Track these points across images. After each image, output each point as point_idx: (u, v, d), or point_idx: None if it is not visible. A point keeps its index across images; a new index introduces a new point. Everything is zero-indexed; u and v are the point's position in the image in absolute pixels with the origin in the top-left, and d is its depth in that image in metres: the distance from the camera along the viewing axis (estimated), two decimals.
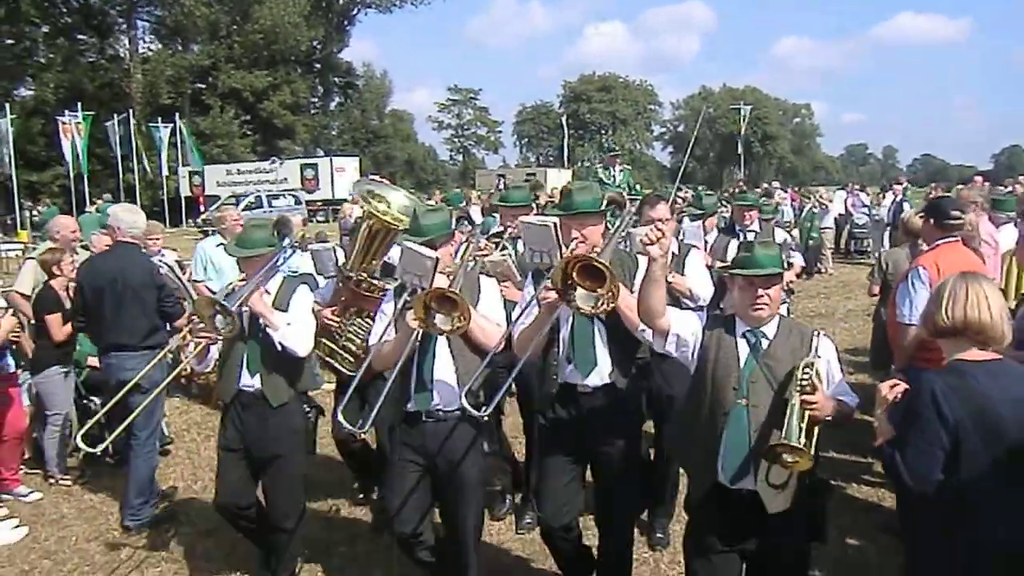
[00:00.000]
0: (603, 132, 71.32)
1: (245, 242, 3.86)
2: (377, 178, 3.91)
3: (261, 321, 3.70)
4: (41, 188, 34.67)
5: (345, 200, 23.68)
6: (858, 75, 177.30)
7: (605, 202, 3.49)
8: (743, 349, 2.84)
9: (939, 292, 2.55)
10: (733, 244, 5.53)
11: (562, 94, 74.33)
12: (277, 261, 3.86)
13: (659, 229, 2.79)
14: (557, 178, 35.14)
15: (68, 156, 29.21)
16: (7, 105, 28.68)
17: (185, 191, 37.24)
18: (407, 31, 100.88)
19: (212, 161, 38.88)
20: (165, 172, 34.84)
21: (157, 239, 6.98)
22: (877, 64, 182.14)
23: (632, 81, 75.54)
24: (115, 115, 32.43)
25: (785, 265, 3.18)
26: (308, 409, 4.01)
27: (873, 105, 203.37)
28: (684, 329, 2.92)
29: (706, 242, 5.85)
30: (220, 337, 3.69)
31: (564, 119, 59.12)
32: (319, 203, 34.03)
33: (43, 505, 5.34)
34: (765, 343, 2.83)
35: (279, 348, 3.71)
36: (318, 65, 50.45)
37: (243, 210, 24.07)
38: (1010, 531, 2.36)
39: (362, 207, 4.35)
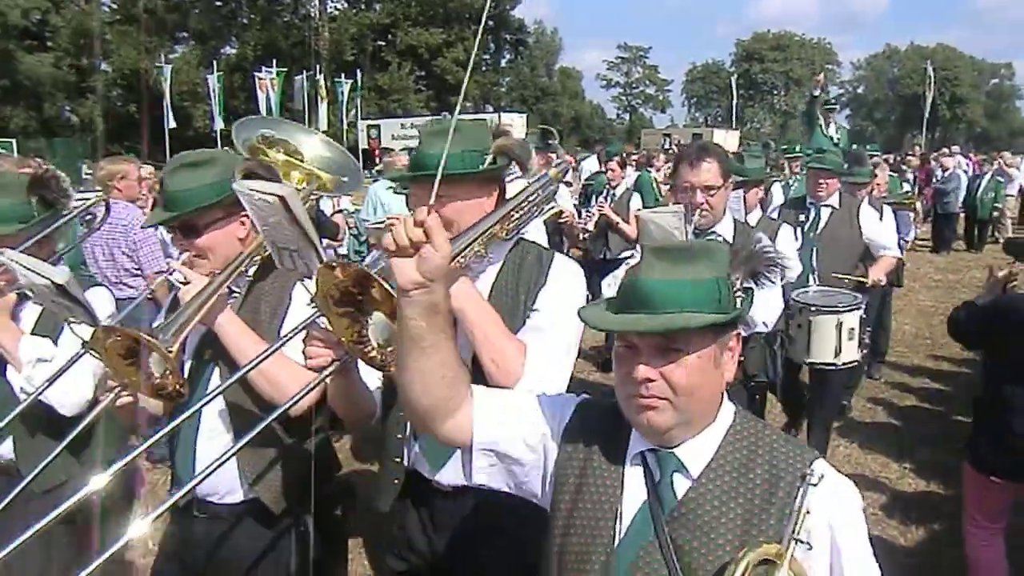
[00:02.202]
0: (775, 93, 67.61)
1: None
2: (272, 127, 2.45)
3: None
4: None
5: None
6: None
7: (491, 158, 1.97)
8: (632, 489, 1.45)
9: None
10: (786, 233, 3.89)
11: (734, 52, 71.06)
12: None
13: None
14: (724, 139, 33.78)
15: (263, 109, 31.86)
16: (214, 62, 31.71)
17: (363, 143, 39.57)
18: None
19: (388, 115, 40.91)
20: (345, 125, 37.11)
21: None
22: None
23: (809, 40, 70.81)
24: (304, 71, 34.89)
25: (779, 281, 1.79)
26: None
27: None
28: (514, 436, 1.53)
29: (748, 224, 4.02)
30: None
31: (734, 80, 56.49)
32: None
33: None
34: (681, 486, 1.41)
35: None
36: (491, 22, 51.28)
37: None
38: None
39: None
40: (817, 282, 4.71)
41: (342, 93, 36.00)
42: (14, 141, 27.97)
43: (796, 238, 4.44)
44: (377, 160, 35.47)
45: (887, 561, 3.97)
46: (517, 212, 2.02)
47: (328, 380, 1.76)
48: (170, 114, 30.35)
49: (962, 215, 15.15)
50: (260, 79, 31.73)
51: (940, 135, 59.98)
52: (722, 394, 1.46)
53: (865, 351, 4.58)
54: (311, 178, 2.43)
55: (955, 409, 6.11)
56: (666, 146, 28.22)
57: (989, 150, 25.92)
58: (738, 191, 4.47)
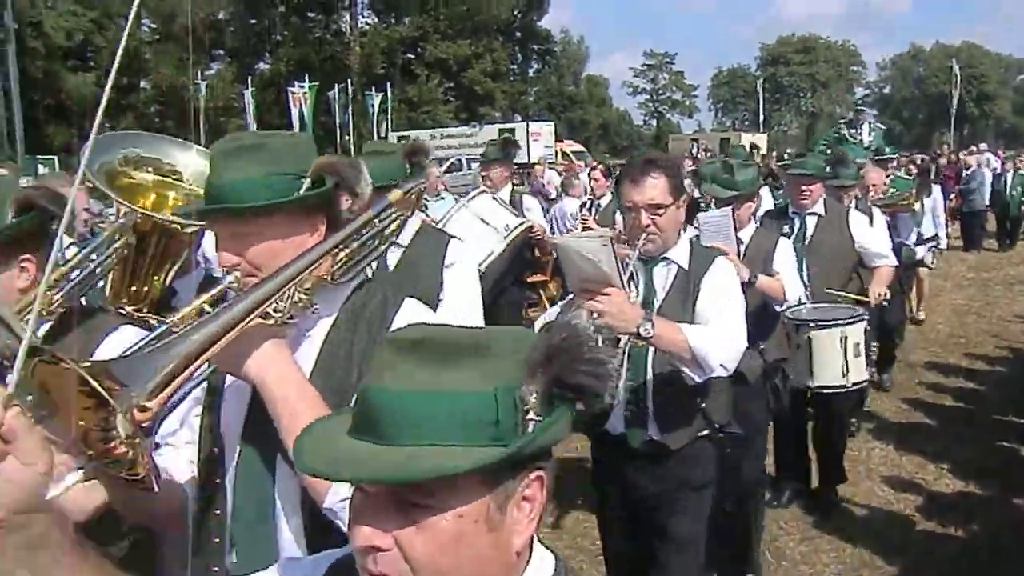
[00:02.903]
0: (801, 95, 67.13)
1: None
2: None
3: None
4: None
5: (537, 163, 24.45)
6: None
7: (308, 182, 1.49)
8: None
9: None
10: (785, 248, 3.66)
11: (759, 57, 70.78)
12: None
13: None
14: (752, 142, 33.58)
15: (296, 123, 32.46)
16: (249, 78, 32.43)
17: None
18: None
19: (417, 126, 41.39)
20: (375, 137, 37.62)
21: None
22: None
23: (834, 42, 70.56)
24: (336, 85, 35.48)
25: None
26: None
27: None
28: None
29: (740, 241, 3.58)
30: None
31: (760, 83, 56.20)
32: (515, 166, 35.18)
33: None
34: None
35: None
36: (518, 33, 51.71)
37: (444, 172, 25.67)
38: None
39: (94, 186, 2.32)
40: (810, 299, 4.15)
41: (372, 106, 36.51)
42: (56, 158, 28.86)
43: None
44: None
45: (926, 562, 3.99)
46: (347, 249, 1.55)
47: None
48: (204, 130, 31.06)
49: (990, 213, 15.06)
50: (293, 93, 32.32)
51: (969, 132, 58.99)
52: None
53: (872, 368, 4.34)
54: (191, 198, 1.99)
55: (991, 408, 6.10)
56: (693, 151, 28.19)
57: (1018, 146, 25.45)
58: (726, 208, 3.55)
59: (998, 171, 15.10)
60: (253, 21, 43.27)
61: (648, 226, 2.53)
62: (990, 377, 6.95)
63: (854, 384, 3.89)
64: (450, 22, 45.46)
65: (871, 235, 4.56)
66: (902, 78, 69.00)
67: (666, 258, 2.68)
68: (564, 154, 29.90)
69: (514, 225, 4.27)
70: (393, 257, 2.83)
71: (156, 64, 40.19)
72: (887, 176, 6.99)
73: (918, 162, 15.43)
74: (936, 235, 7.97)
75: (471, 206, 4.19)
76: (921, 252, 7.04)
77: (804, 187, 4.39)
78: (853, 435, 5.52)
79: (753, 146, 14.30)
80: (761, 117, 55.06)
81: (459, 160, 31.32)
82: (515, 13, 49.67)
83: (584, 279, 2.28)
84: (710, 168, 3.98)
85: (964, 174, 15.28)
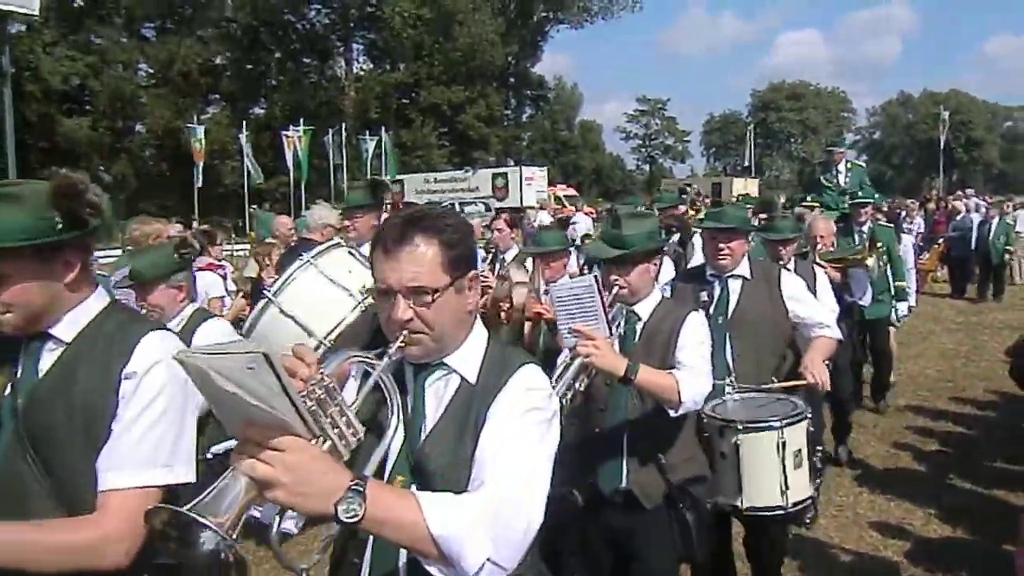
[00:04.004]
0: (792, 141, 68.32)
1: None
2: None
3: None
4: (267, 195, 39.08)
5: (530, 207, 24.62)
6: None
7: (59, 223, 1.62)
8: None
9: None
10: (693, 325, 2.86)
11: (750, 103, 72.16)
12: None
13: None
14: (743, 188, 34.05)
15: (290, 166, 32.71)
16: (244, 122, 32.78)
17: (387, 199, 40.28)
18: (598, 44, 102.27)
19: (411, 170, 41.77)
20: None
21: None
22: None
23: (824, 88, 72.01)
24: (330, 129, 35.84)
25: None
26: None
27: None
28: None
29: (636, 317, 2.96)
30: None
31: (751, 129, 57.17)
32: (508, 210, 35.38)
33: None
34: None
35: None
36: (512, 79, 52.55)
37: None
38: None
39: None
40: (736, 387, 3.37)
41: (367, 150, 36.86)
42: None
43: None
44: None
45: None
46: None
47: None
48: (200, 173, 31.24)
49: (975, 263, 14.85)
50: (288, 137, 32.63)
51: (958, 178, 59.95)
52: None
53: (818, 479, 3.20)
54: None
55: (980, 453, 6.05)
56: (683, 196, 28.48)
57: (1007, 192, 25.76)
58: (587, 276, 2.99)
59: (983, 218, 14.81)
60: (249, 66, 43.91)
61: (408, 321, 1.56)
62: (979, 422, 6.91)
63: (795, 504, 3.02)
64: (444, 68, 46.21)
65: (808, 301, 3.70)
66: (891, 124, 70.49)
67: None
68: (557, 198, 30.17)
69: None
70: (49, 359, 1.75)
71: (152, 108, 40.59)
72: (861, 222, 6.75)
73: (884, 208, 14.65)
74: (905, 289, 6.94)
75: (320, 263, 3.41)
76: (901, 309, 6.86)
77: (723, 244, 3.51)
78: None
79: (739, 196, 14.27)
80: (752, 162, 55.88)
81: (452, 204, 31.56)
82: (509, 59, 50.55)
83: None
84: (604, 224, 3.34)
85: (955, 220, 15.28)
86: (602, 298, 2.60)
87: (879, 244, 6.43)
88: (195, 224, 14.75)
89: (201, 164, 30.79)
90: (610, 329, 2.65)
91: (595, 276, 2.67)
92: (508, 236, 6.22)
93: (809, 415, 3.15)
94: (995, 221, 14.33)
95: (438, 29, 45.06)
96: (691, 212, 7.09)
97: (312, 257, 3.45)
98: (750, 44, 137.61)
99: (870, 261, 5.52)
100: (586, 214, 20.54)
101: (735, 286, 3.59)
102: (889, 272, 6.65)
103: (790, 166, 72.07)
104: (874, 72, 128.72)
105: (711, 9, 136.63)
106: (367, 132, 37.69)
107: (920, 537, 4.69)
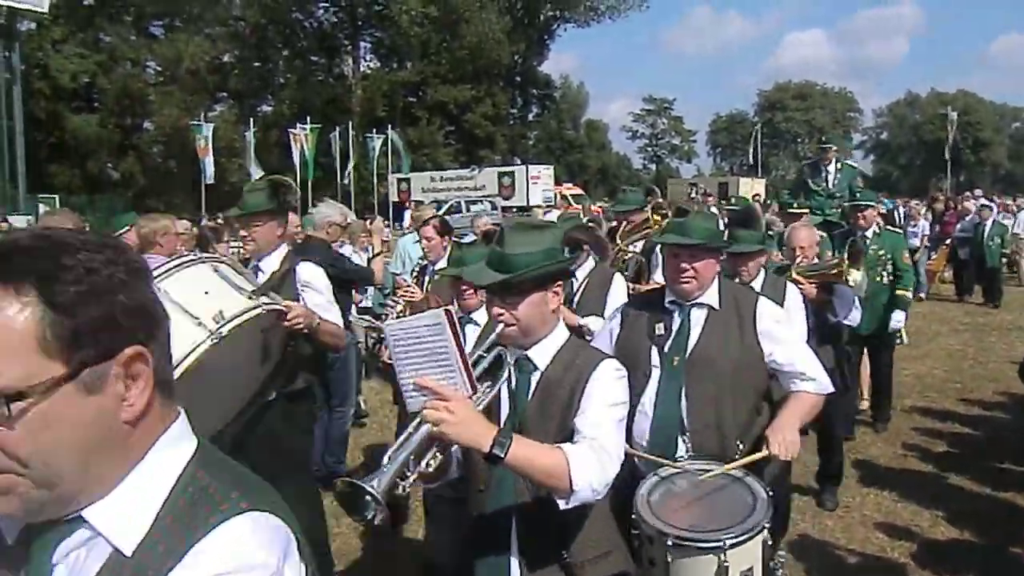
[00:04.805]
0: (798, 141, 68.17)
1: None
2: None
3: None
4: None
5: (538, 206, 24.63)
6: None
7: None
8: None
9: None
10: (603, 380, 2.16)
11: (756, 103, 72.03)
12: None
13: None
14: (750, 188, 34.02)
15: (297, 163, 32.80)
16: (251, 119, 32.88)
17: (393, 196, 40.38)
18: (605, 43, 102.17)
19: (418, 169, 41.83)
20: (375, 179, 37.99)
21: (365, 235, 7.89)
22: None
23: (830, 88, 71.94)
24: (337, 127, 35.92)
25: None
26: None
27: None
28: None
29: (531, 366, 2.24)
30: None
31: (757, 128, 57.07)
32: (514, 209, 35.45)
33: None
34: None
35: None
36: (518, 78, 52.59)
37: (443, 214, 25.81)
38: None
39: None
40: (689, 450, 2.70)
41: (373, 148, 36.92)
42: (57, 197, 29.07)
43: (647, 371, 2.75)
44: (407, 211, 36.40)
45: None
46: None
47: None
48: (208, 170, 31.35)
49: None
50: (294, 134, 32.75)
51: (966, 178, 59.73)
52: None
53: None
54: None
55: (988, 455, 6.02)
56: (691, 194, 28.55)
57: (1015, 192, 25.55)
58: (432, 313, 2.00)
59: (979, 219, 14.23)
60: (257, 64, 44.10)
61: None
62: (987, 423, 6.88)
63: None
64: (451, 67, 46.24)
65: (789, 342, 2.89)
66: (898, 125, 70.11)
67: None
68: (564, 197, 30.18)
69: (239, 311, 2.83)
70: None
71: (160, 106, 40.75)
72: (863, 227, 6.16)
73: (882, 210, 14.15)
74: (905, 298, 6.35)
75: (166, 285, 2.72)
76: (898, 319, 6.28)
77: (686, 263, 2.76)
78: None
79: (755, 195, 13.71)
80: (759, 162, 55.77)
81: (458, 203, 31.60)
82: (516, 58, 50.56)
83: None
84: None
85: (963, 221, 14.98)
86: (458, 341, 1.84)
87: (883, 253, 6.11)
88: (203, 221, 14.78)
89: (211, 161, 30.93)
90: (472, 384, 1.87)
91: (446, 310, 1.86)
92: (439, 245, 5.27)
93: (767, 524, 2.32)
94: (989, 222, 13.85)
95: (445, 28, 45.10)
96: (655, 220, 5.63)
97: (158, 277, 2.71)
98: (756, 44, 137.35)
99: (856, 276, 4.57)
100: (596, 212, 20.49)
101: (698, 317, 2.83)
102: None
103: (796, 166, 71.76)
104: (881, 72, 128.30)
105: (717, 8, 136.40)
106: (374, 130, 37.79)
107: (927, 538, 4.66)
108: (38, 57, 37.14)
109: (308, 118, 33.90)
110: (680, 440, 2.72)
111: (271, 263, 3.74)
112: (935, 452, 6.17)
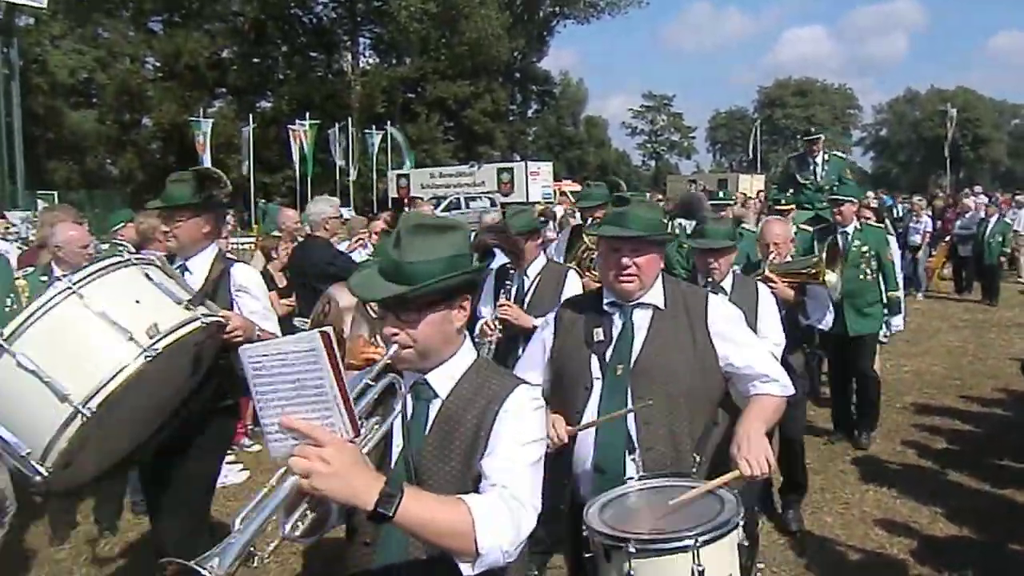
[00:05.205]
0: (798, 137, 68.20)
1: None
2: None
3: None
4: (272, 188, 39.14)
5: (537, 202, 24.60)
6: None
7: None
8: None
9: None
10: (518, 407, 1.84)
11: (756, 99, 72.05)
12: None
13: None
14: (749, 184, 34.04)
15: (296, 160, 32.75)
16: (250, 115, 32.82)
17: (393, 192, 40.34)
18: (604, 39, 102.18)
19: (417, 165, 41.78)
20: (374, 175, 37.97)
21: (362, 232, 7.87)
22: None
23: (830, 85, 72.08)
24: (336, 123, 35.87)
25: None
26: None
27: None
28: None
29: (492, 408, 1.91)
30: None
31: (757, 125, 57.05)
32: (515, 205, 35.40)
33: (262, 455, 6.28)
34: None
35: None
36: (518, 74, 52.51)
37: (443, 211, 25.85)
38: None
39: None
40: (640, 469, 2.36)
41: (372, 144, 36.87)
42: (55, 193, 29.00)
43: (587, 383, 2.43)
44: (406, 208, 36.38)
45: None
46: None
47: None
48: (207, 166, 31.32)
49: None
50: (293, 131, 32.68)
51: (965, 175, 59.75)
52: None
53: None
54: None
55: (987, 451, 6.02)
56: (691, 191, 28.49)
57: (1014, 189, 25.52)
58: (306, 337, 1.51)
59: (982, 216, 14.22)
60: (256, 60, 44.00)
61: None
62: (986, 420, 6.88)
63: None
64: (450, 63, 46.15)
65: (745, 342, 2.56)
66: (898, 122, 70.24)
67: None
68: (563, 193, 30.17)
69: (175, 325, 2.51)
70: None
71: (159, 101, 40.67)
72: (843, 223, 5.98)
73: (873, 204, 13.07)
74: (899, 300, 6.20)
75: (88, 292, 2.37)
76: (897, 324, 6.18)
77: (627, 259, 2.42)
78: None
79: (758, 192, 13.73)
80: (758, 159, 55.76)
81: (457, 199, 31.56)
82: (515, 54, 50.47)
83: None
84: None
85: (963, 218, 14.98)
86: (337, 372, 1.46)
87: (866, 250, 5.92)
88: None
89: (208, 157, 30.90)
90: (353, 425, 1.49)
91: (322, 332, 1.45)
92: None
93: (741, 520, 2.05)
94: (993, 220, 13.80)
95: (444, 24, 45.00)
96: None
97: (76, 282, 2.38)
98: (756, 40, 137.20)
99: (830, 277, 4.28)
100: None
101: (642, 320, 2.50)
102: (881, 281, 5.97)
103: (794, 148, 71.96)
104: (881, 69, 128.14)
105: (716, 5, 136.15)
106: (373, 126, 37.73)
107: (926, 535, 4.67)
108: (36, 53, 37.03)
109: (307, 114, 33.82)
110: (629, 460, 2.37)
111: (199, 264, 3.40)
112: (934, 449, 6.18)
